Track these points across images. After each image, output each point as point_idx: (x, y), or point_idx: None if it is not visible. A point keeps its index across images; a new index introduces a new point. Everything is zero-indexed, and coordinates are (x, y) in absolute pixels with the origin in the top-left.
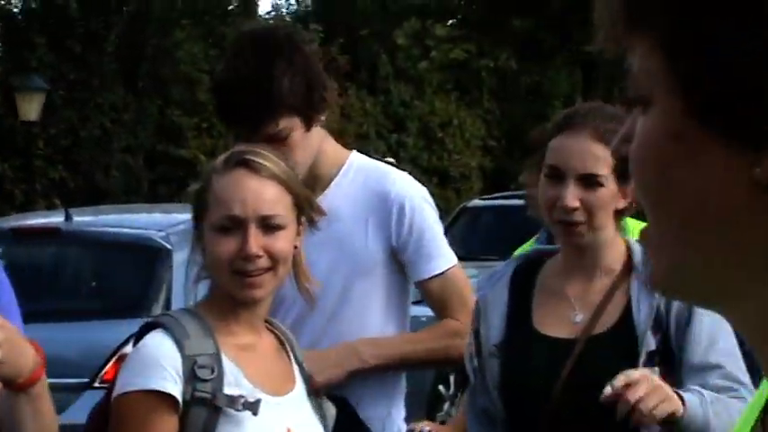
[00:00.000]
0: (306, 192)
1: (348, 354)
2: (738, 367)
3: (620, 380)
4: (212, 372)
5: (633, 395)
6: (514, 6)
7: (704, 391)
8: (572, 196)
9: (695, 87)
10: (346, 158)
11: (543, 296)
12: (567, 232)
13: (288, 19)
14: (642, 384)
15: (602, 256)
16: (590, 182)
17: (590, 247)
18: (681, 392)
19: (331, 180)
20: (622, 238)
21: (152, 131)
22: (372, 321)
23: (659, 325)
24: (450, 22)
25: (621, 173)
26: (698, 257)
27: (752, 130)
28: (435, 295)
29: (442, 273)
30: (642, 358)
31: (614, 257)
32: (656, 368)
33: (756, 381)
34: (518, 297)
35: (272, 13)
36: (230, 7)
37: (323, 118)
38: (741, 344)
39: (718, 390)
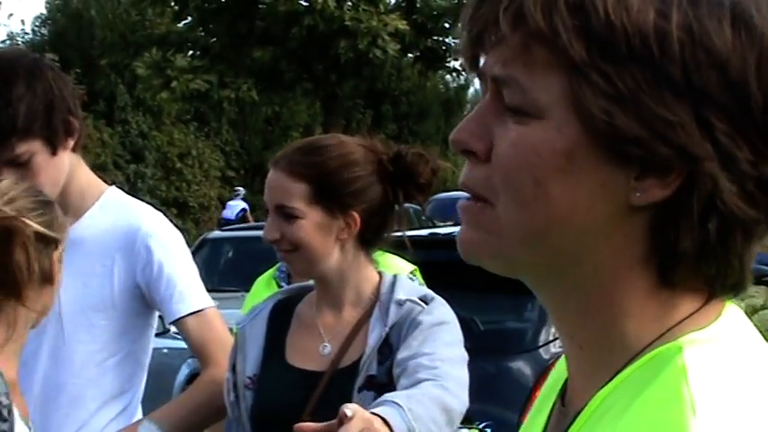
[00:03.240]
0: None
1: None
2: (452, 358)
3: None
4: None
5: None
6: (255, 38)
7: (399, 397)
8: (270, 228)
9: (605, 121)
10: (103, 191)
11: (297, 328)
12: (285, 261)
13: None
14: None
15: (344, 285)
16: (285, 214)
17: (328, 277)
18: (383, 415)
19: (84, 211)
20: (375, 270)
21: None
22: (111, 364)
23: (389, 351)
24: (191, 52)
25: (325, 204)
26: (540, 251)
27: (642, 165)
28: (194, 336)
29: (199, 311)
30: (360, 381)
31: (362, 288)
32: (373, 392)
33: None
34: (275, 330)
35: (8, 42)
36: None
37: (71, 143)
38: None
39: (420, 368)
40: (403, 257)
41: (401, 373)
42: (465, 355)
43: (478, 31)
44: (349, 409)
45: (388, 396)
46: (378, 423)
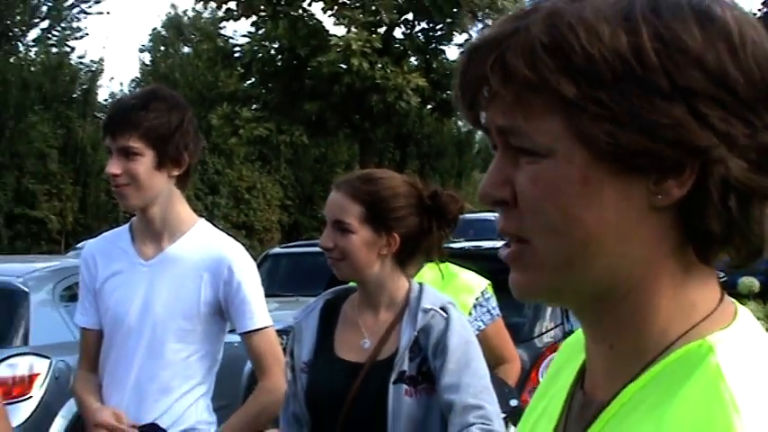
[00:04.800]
0: None
1: None
2: (485, 387)
3: None
4: None
5: None
6: (305, 93)
7: None
8: (326, 238)
9: (610, 142)
10: (196, 222)
11: (343, 325)
12: (333, 267)
13: None
14: None
15: (381, 292)
16: (340, 227)
17: (368, 284)
18: None
19: (180, 235)
20: (406, 279)
21: (11, 197)
22: (193, 359)
23: (418, 350)
24: (254, 106)
25: (375, 222)
26: (578, 271)
27: (656, 171)
28: (254, 349)
29: (260, 329)
30: (394, 376)
31: (395, 294)
32: (405, 385)
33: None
34: (325, 325)
35: (109, 101)
36: (74, 95)
37: (175, 172)
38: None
39: (467, 408)
40: (478, 272)
41: (450, 406)
42: (487, 370)
43: (472, 93)
44: None
45: None
46: None
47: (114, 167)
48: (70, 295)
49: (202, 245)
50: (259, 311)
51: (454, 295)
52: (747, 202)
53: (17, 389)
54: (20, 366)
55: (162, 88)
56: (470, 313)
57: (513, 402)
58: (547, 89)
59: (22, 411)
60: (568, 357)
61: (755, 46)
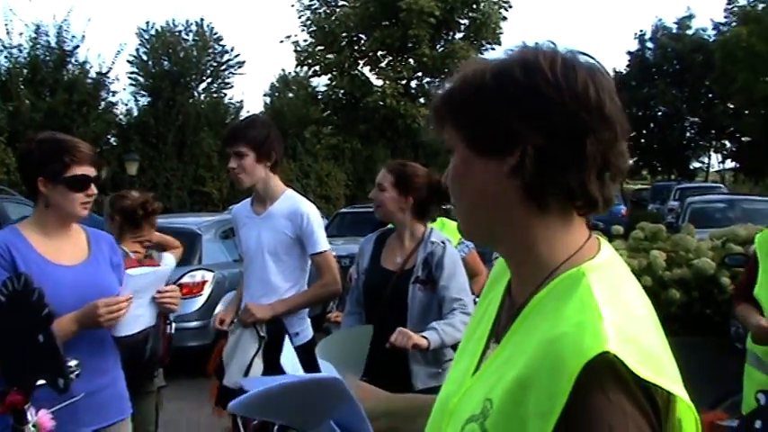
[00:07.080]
0: None
1: (269, 308)
2: (464, 287)
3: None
4: None
5: (401, 341)
6: (359, 119)
7: (439, 324)
8: (373, 194)
9: (475, 144)
10: (285, 190)
11: (386, 248)
12: (376, 212)
13: None
14: (401, 336)
15: (407, 230)
16: (381, 189)
17: (398, 225)
18: (426, 335)
19: (276, 199)
20: (423, 224)
21: (190, 180)
22: (288, 270)
23: (427, 265)
24: (330, 127)
25: (399, 188)
26: (478, 221)
27: (498, 155)
28: (317, 263)
29: (321, 252)
30: (413, 279)
31: (416, 233)
32: (419, 285)
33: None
34: (377, 247)
35: None
36: (226, 121)
37: (267, 163)
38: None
39: (453, 300)
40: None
41: (443, 299)
42: (466, 278)
43: (432, 126)
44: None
45: (434, 324)
46: (416, 336)
47: (232, 163)
48: (225, 236)
49: (288, 204)
50: (320, 241)
51: (450, 236)
52: (559, 171)
53: (195, 289)
54: (197, 276)
55: (257, 116)
56: (457, 246)
57: (473, 297)
58: (449, 117)
59: (198, 302)
60: (502, 273)
61: (568, 80)
